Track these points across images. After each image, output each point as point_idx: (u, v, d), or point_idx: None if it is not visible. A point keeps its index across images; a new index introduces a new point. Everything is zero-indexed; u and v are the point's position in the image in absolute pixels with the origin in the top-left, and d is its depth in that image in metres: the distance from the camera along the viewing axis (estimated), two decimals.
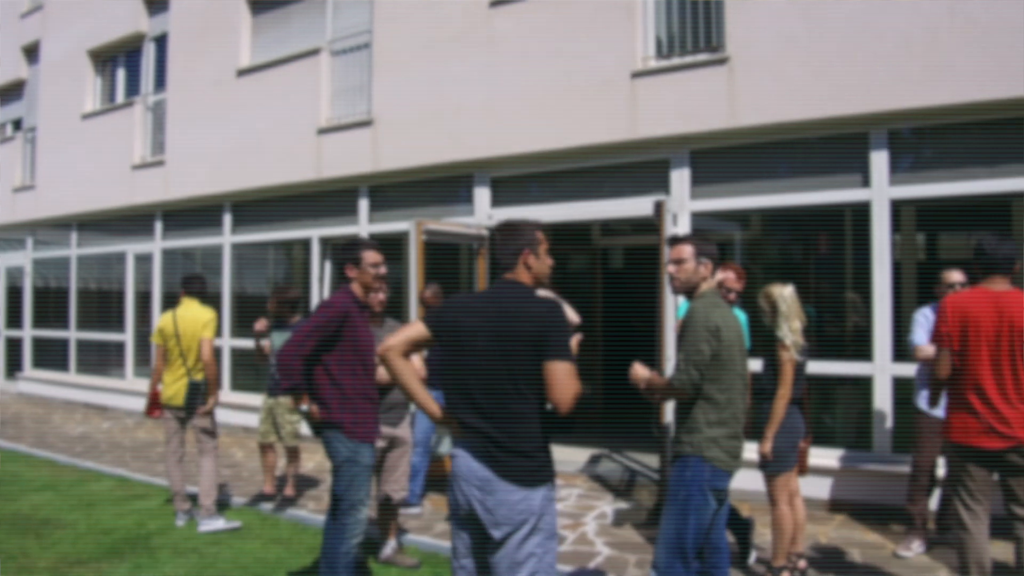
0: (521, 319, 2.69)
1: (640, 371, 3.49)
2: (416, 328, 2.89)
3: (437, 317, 2.87)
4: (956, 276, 5.01)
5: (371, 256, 3.98)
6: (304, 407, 3.88)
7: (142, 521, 5.83)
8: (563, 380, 2.59)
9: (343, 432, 3.82)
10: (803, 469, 4.62)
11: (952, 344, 3.79)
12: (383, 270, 4.01)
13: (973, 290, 3.91)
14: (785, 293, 4.32)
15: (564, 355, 2.63)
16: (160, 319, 5.92)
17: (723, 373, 3.27)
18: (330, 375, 3.84)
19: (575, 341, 2.88)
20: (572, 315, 5.13)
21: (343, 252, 3.98)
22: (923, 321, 5.17)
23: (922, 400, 5.15)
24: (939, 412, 5.00)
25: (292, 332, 3.84)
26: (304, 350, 3.73)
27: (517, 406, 2.67)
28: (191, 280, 5.98)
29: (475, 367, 2.73)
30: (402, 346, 2.86)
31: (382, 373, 4.21)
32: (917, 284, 7.38)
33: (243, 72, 10.13)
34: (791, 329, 4.28)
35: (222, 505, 6.18)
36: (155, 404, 5.93)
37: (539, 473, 2.70)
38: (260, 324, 6.45)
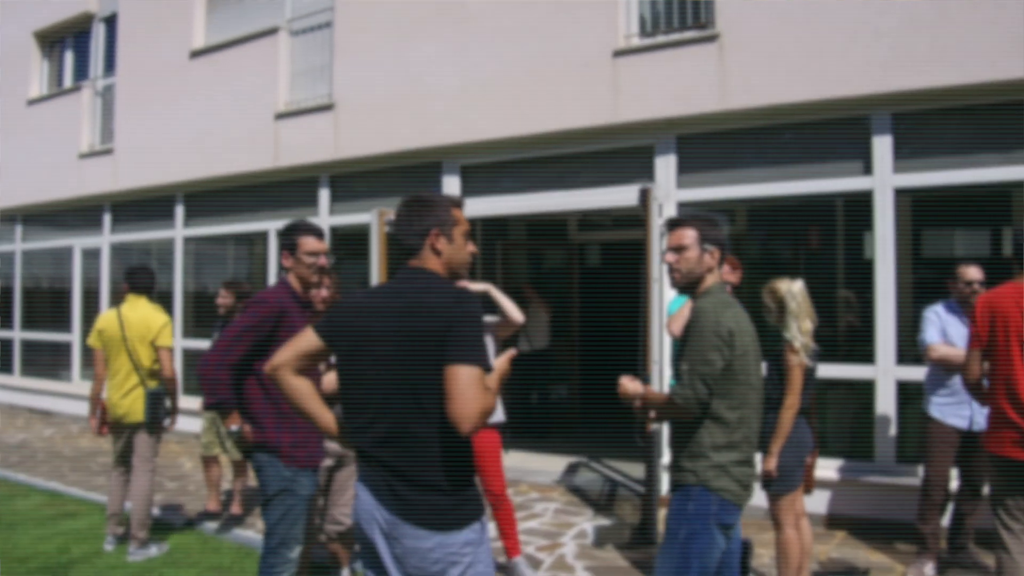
0: (422, 315, 2.15)
1: (630, 385, 2.89)
2: (307, 338, 2.34)
3: (329, 321, 2.33)
4: (974, 272, 4.56)
5: (309, 243, 3.34)
6: (234, 427, 3.27)
7: (66, 545, 5.18)
8: (465, 390, 2.04)
9: (279, 457, 3.22)
10: (809, 487, 4.12)
11: (980, 343, 3.37)
12: (323, 260, 3.37)
13: (1005, 285, 3.47)
14: (794, 289, 3.81)
15: (470, 358, 2.09)
16: (100, 319, 5.20)
17: (735, 387, 2.71)
18: (263, 388, 3.22)
19: (506, 358, 2.33)
20: (514, 313, 4.59)
21: (280, 238, 3.38)
22: (934, 319, 4.70)
23: (933, 406, 4.68)
24: (954, 420, 4.57)
25: (217, 336, 3.22)
26: (231, 357, 3.11)
27: (421, 428, 2.14)
28: (137, 273, 5.21)
29: (373, 380, 2.19)
30: (294, 361, 2.31)
31: (330, 381, 3.63)
32: (913, 281, 6.96)
33: (197, 53, 9.45)
34: (801, 330, 3.77)
35: (161, 525, 5.55)
36: (104, 420, 5.24)
37: (457, 512, 2.16)
38: None
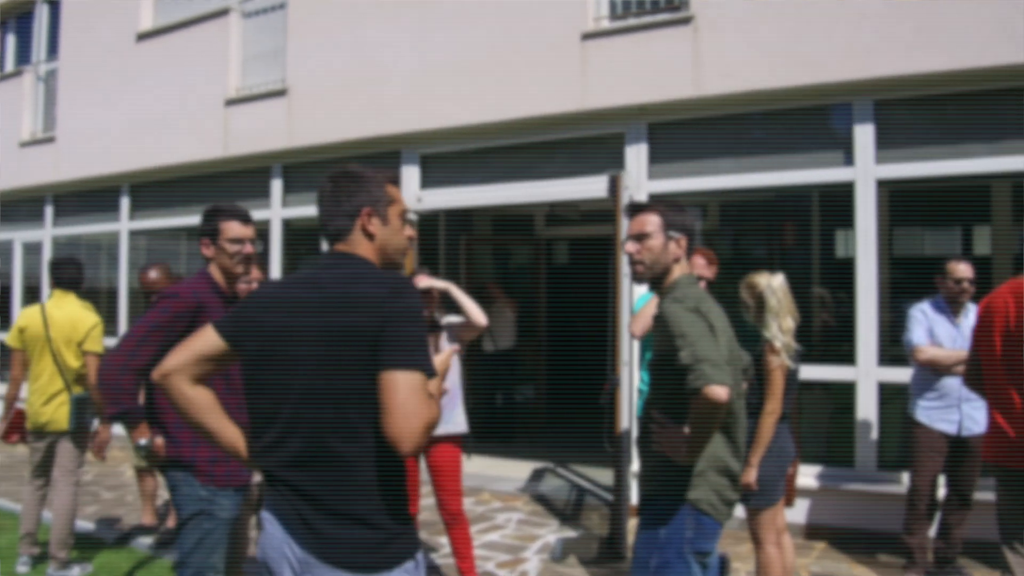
0: (349, 310, 1.79)
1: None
2: (206, 338, 1.94)
3: (234, 317, 1.95)
4: (964, 269, 4.29)
5: (232, 228, 2.91)
6: (143, 440, 2.84)
7: None
8: (405, 401, 1.69)
9: (195, 474, 2.80)
10: (791, 499, 3.80)
11: (976, 344, 3.10)
12: (249, 248, 2.93)
13: (1008, 282, 3.19)
14: (774, 284, 3.48)
15: (410, 361, 1.73)
16: (21, 315, 4.70)
17: None
18: None
19: (446, 355, 1.98)
20: (476, 314, 4.19)
21: (200, 223, 2.95)
22: (921, 318, 4.42)
23: (920, 410, 4.40)
24: (942, 425, 4.29)
25: (122, 336, 2.78)
26: (137, 360, 2.67)
27: (344, 446, 1.77)
28: (63, 266, 4.71)
29: (285, 388, 1.82)
30: (190, 366, 1.91)
31: None
32: (891, 278, 6.73)
33: (144, 36, 8.92)
34: (782, 328, 3.43)
35: (90, 541, 5.08)
36: (16, 426, 4.76)
37: (386, 550, 1.79)
38: None
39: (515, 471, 6.96)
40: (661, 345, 2.37)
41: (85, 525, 5.47)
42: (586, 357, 9.23)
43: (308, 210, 7.54)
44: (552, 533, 5.37)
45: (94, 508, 6.06)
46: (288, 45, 7.62)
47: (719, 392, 2.15)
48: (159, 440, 2.83)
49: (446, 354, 2.05)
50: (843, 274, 5.46)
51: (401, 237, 2.03)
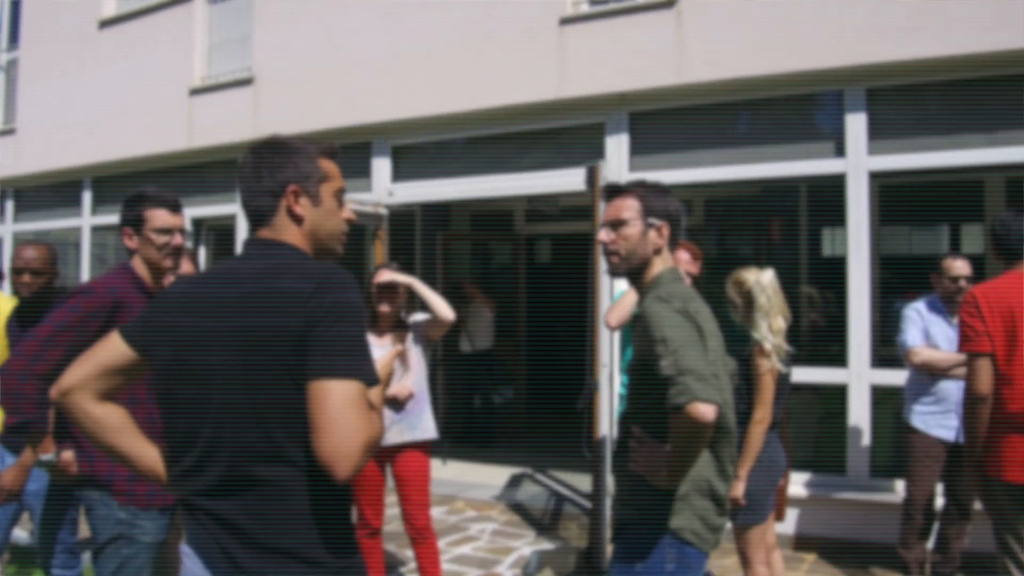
0: (271, 308, 1.50)
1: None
2: (111, 346, 1.64)
3: (144, 321, 1.65)
4: (961, 266, 4.03)
5: (159, 217, 2.57)
6: (47, 456, 2.50)
7: None
8: (338, 416, 1.41)
9: (112, 494, 2.47)
10: (781, 514, 3.53)
11: (995, 347, 2.79)
12: (178, 239, 2.60)
13: (1007, 276, 2.94)
14: (764, 281, 3.20)
15: (344, 368, 1.45)
16: None
17: None
18: None
19: (388, 357, 1.71)
20: (443, 309, 3.79)
21: (122, 212, 2.62)
22: (916, 318, 4.16)
23: (916, 415, 4.14)
24: (939, 431, 4.03)
25: (24, 337, 2.43)
26: (41, 365, 2.32)
27: (271, 470, 1.49)
28: None
29: (203, 403, 1.53)
30: (94, 381, 1.61)
31: None
32: (880, 278, 6.50)
33: (106, 23, 8.55)
34: (772, 329, 3.15)
35: (27, 553, 4.73)
36: None
37: None
38: None
39: (492, 477, 6.66)
40: (642, 349, 2.06)
41: (22, 536, 5.11)
42: (568, 358, 8.94)
43: None
44: (528, 545, 5.08)
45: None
46: (254, 32, 7.28)
47: (705, 411, 1.83)
48: (66, 455, 2.50)
49: (388, 356, 1.76)
50: (832, 272, 5.20)
51: (336, 220, 1.73)
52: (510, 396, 8.85)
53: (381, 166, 6.56)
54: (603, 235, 2.20)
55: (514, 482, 6.56)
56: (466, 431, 8.16)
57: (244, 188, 1.68)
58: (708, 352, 1.97)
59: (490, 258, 9.77)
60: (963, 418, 2.93)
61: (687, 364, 1.87)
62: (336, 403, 1.41)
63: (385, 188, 6.47)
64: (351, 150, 6.82)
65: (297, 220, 1.66)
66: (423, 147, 6.55)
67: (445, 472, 6.87)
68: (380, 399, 1.61)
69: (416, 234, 8.85)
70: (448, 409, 8.35)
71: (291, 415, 1.46)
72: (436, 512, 5.77)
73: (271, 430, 1.48)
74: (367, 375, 1.48)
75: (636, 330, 2.12)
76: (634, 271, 2.21)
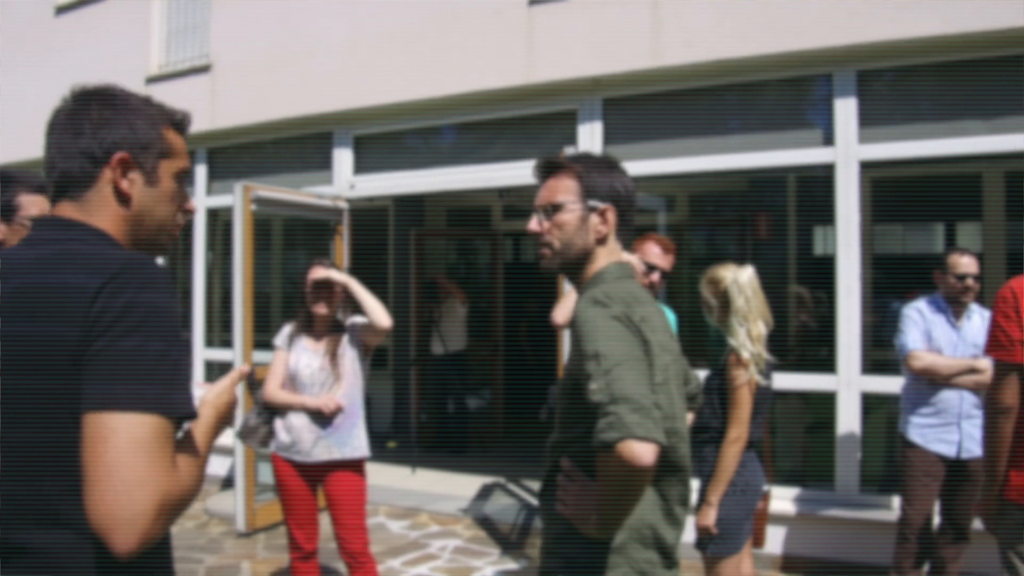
0: (42, 312, 1.12)
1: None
2: None
3: None
4: (968, 262, 3.66)
5: (34, 203, 2.20)
6: None
7: None
8: (117, 462, 1.03)
9: None
10: (760, 540, 3.14)
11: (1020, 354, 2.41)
12: None
13: None
14: (741, 280, 2.81)
15: (131, 397, 1.06)
16: None
17: None
18: None
19: (234, 376, 1.33)
20: (379, 314, 3.34)
21: None
22: (917, 318, 3.78)
23: (913, 428, 3.75)
24: (938, 446, 3.66)
25: None
26: None
27: (41, 536, 1.11)
28: None
29: None
30: None
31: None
32: (873, 277, 6.15)
33: (63, 9, 8.15)
34: (751, 335, 2.76)
35: None
36: None
37: None
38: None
39: (462, 488, 6.27)
40: (573, 365, 1.65)
41: None
42: (547, 360, 8.57)
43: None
44: (491, 565, 4.69)
45: None
46: (212, 17, 6.87)
47: (640, 452, 1.39)
48: None
49: (229, 380, 1.36)
50: (823, 272, 4.83)
51: (171, 208, 1.36)
52: (486, 400, 8.46)
53: (343, 157, 6.16)
54: (533, 223, 1.79)
55: (484, 493, 6.17)
56: (439, 438, 7.77)
57: (52, 143, 1.31)
58: (654, 372, 1.56)
59: (466, 256, 9.39)
60: (984, 432, 2.55)
61: (622, 389, 1.44)
62: (118, 445, 1.03)
63: (347, 180, 6.07)
64: (311, 140, 6.46)
65: (122, 199, 1.29)
66: (386, 136, 6.15)
67: (413, 482, 6.49)
68: (208, 438, 1.22)
69: (389, 231, 8.47)
70: (420, 415, 7.98)
71: (69, 461, 1.07)
72: (397, 527, 5.40)
73: (42, 482, 1.10)
74: (172, 406, 1.09)
75: (572, 340, 1.72)
76: (571, 265, 1.78)
